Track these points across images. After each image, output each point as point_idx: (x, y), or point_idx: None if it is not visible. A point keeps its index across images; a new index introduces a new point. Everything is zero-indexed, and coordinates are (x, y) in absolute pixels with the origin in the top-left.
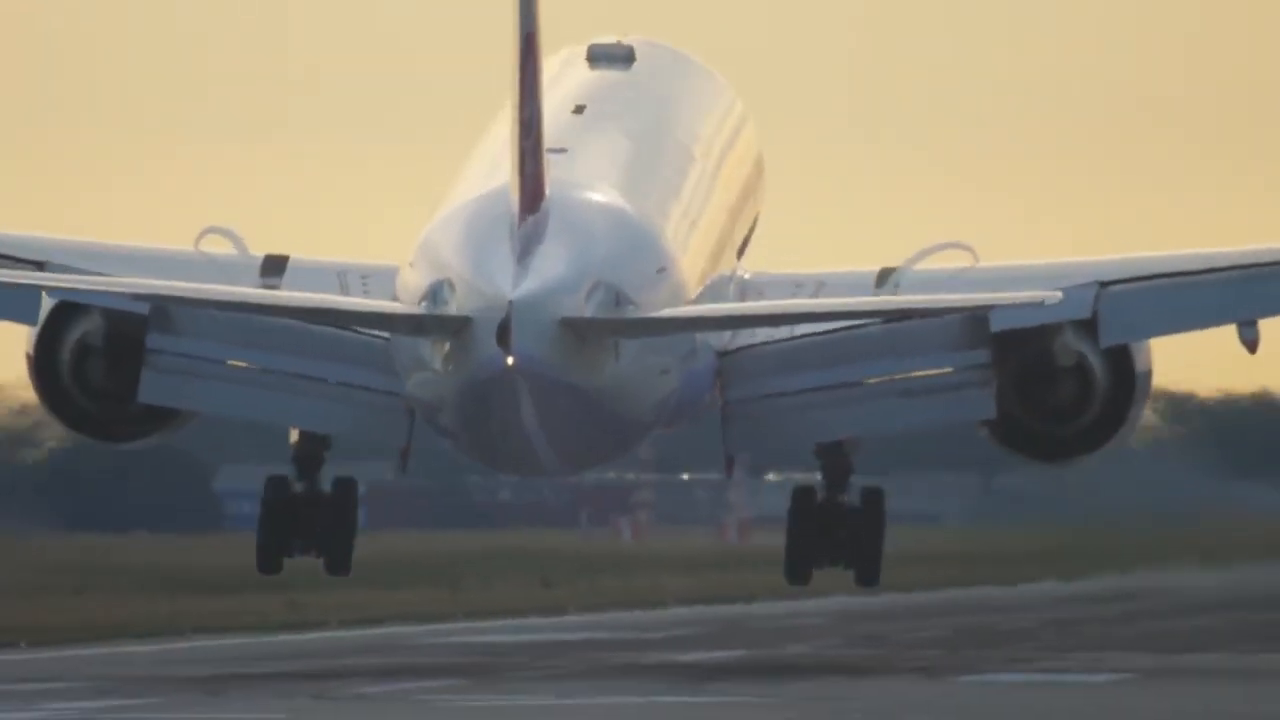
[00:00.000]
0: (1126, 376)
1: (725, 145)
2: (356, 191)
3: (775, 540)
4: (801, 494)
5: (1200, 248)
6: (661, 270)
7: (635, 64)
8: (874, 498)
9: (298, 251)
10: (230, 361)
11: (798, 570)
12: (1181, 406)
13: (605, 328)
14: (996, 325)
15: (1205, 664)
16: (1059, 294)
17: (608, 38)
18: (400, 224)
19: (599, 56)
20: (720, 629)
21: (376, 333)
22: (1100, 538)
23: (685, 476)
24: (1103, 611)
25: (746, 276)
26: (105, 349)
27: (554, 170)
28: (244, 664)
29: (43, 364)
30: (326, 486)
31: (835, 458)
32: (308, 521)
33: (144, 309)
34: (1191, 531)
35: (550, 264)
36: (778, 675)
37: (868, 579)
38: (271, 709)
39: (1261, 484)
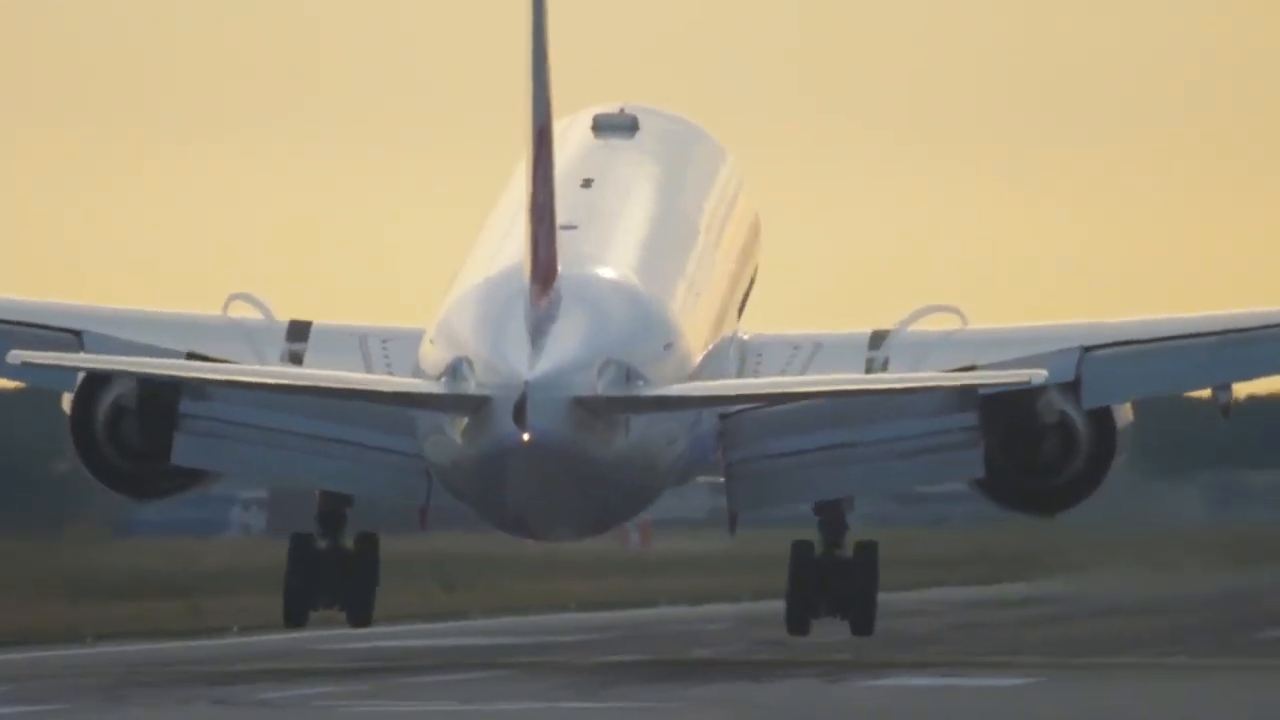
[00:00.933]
0: (1108, 432)
1: (725, 212)
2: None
3: (678, 545)
4: (800, 549)
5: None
6: (669, 345)
7: (638, 133)
8: (868, 551)
9: (320, 315)
10: (259, 425)
11: (797, 622)
12: None
13: (616, 405)
14: (984, 389)
15: (1113, 667)
16: (1044, 371)
17: (610, 106)
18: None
19: (604, 126)
20: (623, 634)
21: (390, 410)
22: (1016, 541)
23: None
24: (1014, 615)
25: (746, 338)
26: (139, 412)
27: (564, 247)
28: (146, 670)
29: (80, 425)
30: (349, 542)
31: (832, 514)
32: (332, 576)
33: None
34: (1110, 535)
35: (563, 344)
36: (680, 679)
37: (863, 630)
38: (173, 715)
39: (1180, 485)
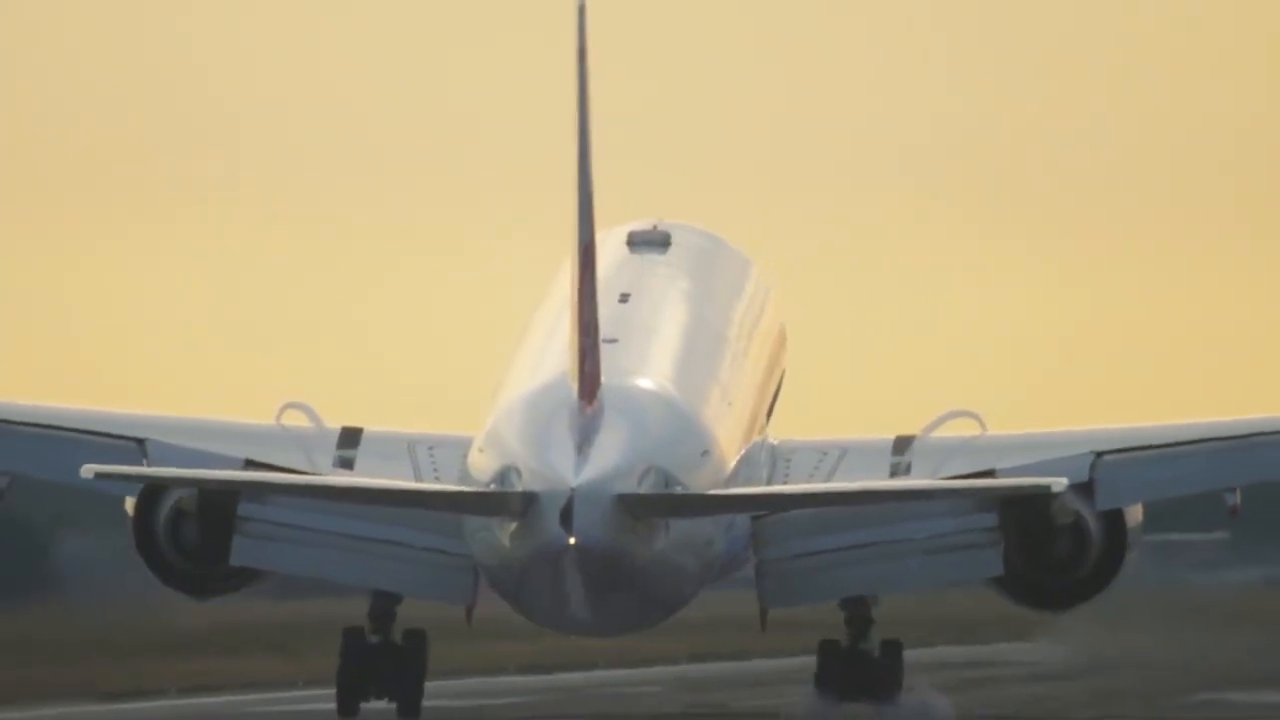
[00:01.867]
0: (1119, 531)
1: (753, 322)
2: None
3: None
4: (827, 646)
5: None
6: (705, 453)
7: (671, 248)
8: (894, 649)
9: (370, 421)
10: (313, 528)
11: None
12: None
13: (657, 506)
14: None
15: None
16: (1064, 480)
17: (644, 222)
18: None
19: (638, 242)
20: (558, 696)
21: (440, 516)
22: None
23: None
24: (955, 677)
25: (775, 444)
26: (199, 515)
27: (605, 359)
28: None
29: (141, 527)
30: (398, 638)
31: (858, 609)
32: (382, 670)
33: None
34: None
35: (607, 453)
36: None
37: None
38: None
39: None
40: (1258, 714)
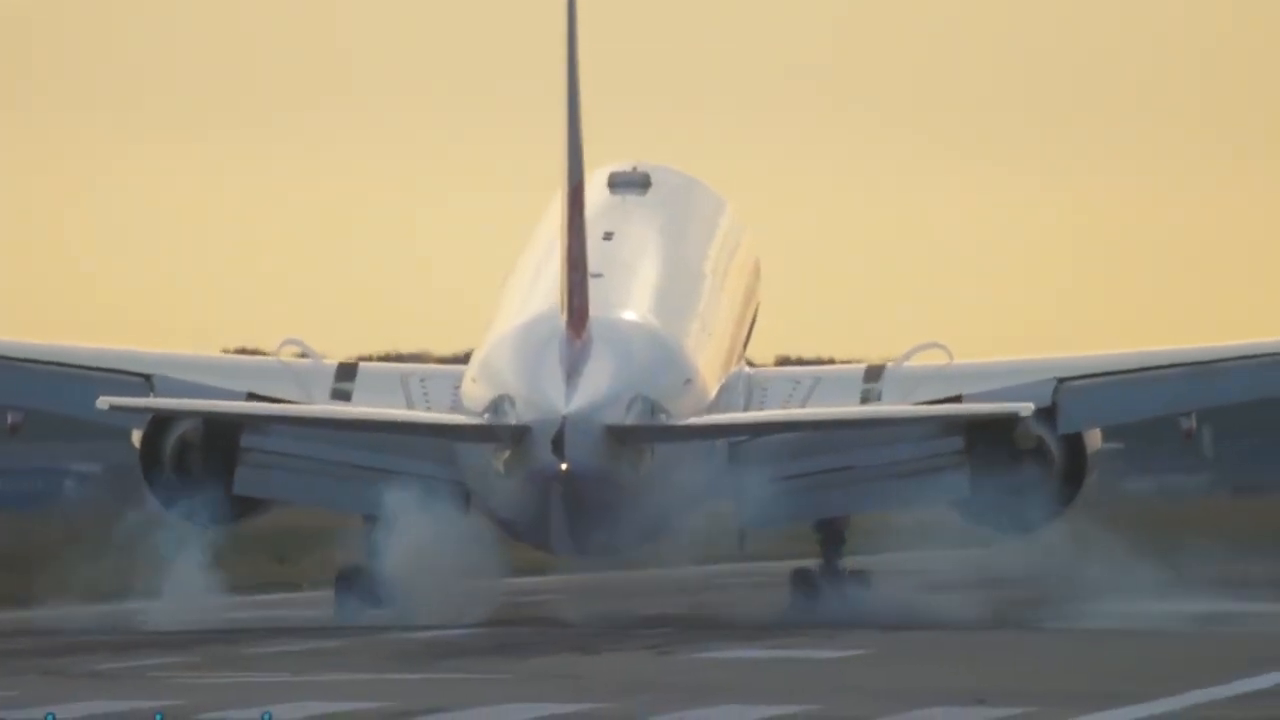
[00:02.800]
0: (1079, 455)
1: (729, 258)
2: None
3: None
4: (799, 573)
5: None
6: (688, 381)
7: (650, 189)
8: (860, 580)
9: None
10: (312, 457)
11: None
12: None
13: (644, 435)
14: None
15: (937, 641)
16: (1031, 405)
17: (624, 164)
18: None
19: (619, 183)
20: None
21: (437, 442)
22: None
23: None
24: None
25: (750, 373)
26: (203, 446)
27: (592, 293)
28: None
29: (148, 459)
30: None
31: (831, 532)
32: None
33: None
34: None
35: (596, 382)
36: (511, 651)
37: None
38: (3, 686)
39: None
40: (1137, 623)
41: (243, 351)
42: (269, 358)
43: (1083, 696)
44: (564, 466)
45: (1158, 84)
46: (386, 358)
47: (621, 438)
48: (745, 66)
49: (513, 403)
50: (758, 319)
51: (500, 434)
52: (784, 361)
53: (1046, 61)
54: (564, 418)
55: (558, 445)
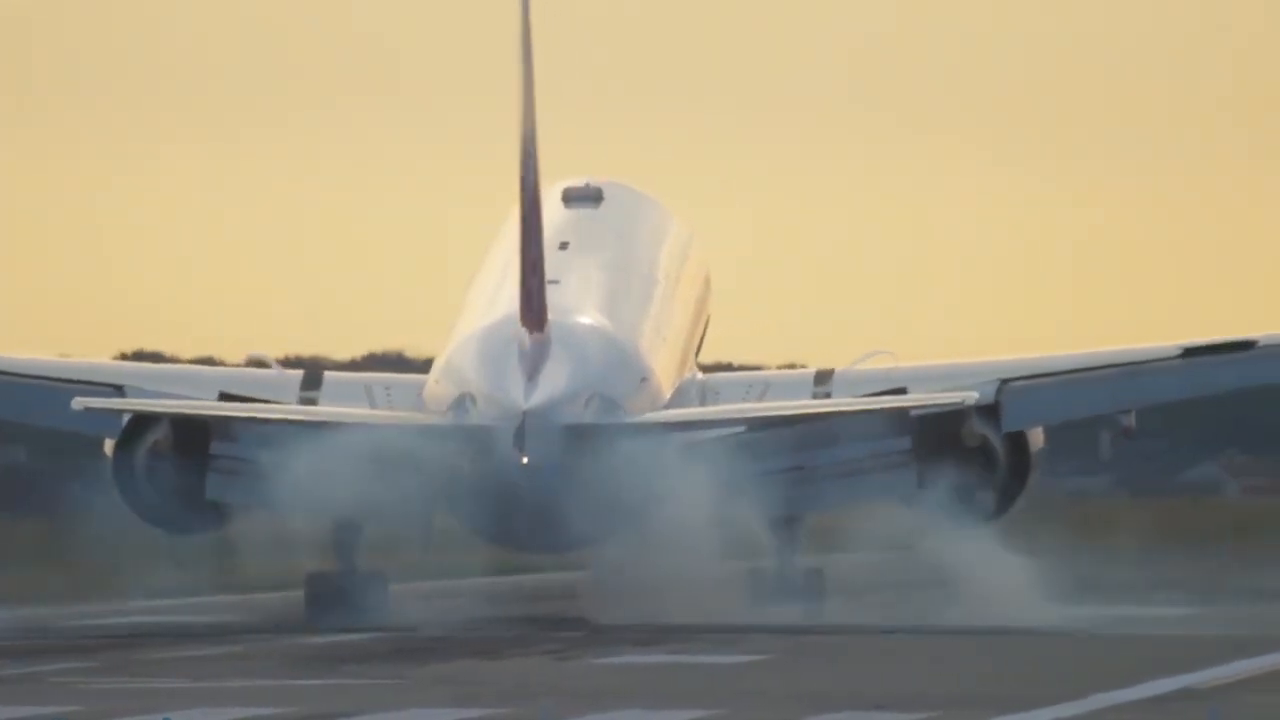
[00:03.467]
0: (1023, 452)
1: (679, 267)
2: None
3: None
4: (754, 575)
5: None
6: (643, 380)
7: (603, 203)
8: (815, 577)
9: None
10: (281, 463)
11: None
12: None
13: (600, 432)
14: (916, 413)
15: (841, 645)
16: (975, 394)
17: (577, 180)
18: None
19: (573, 198)
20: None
21: (404, 443)
22: None
23: None
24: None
25: (702, 378)
26: (174, 453)
27: (550, 299)
28: None
29: (121, 467)
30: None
31: (785, 531)
32: (346, 600)
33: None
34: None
35: (555, 380)
36: (411, 656)
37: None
38: None
39: None
40: (1042, 626)
41: (208, 362)
42: (237, 368)
43: (985, 700)
44: (525, 460)
45: (1123, 86)
46: (365, 358)
47: (579, 434)
48: (703, 74)
49: (474, 400)
50: (709, 329)
51: (464, 433)
52: (730, 368)
53: (1017, 68)
54: (524, 413)
55: (519, 440)
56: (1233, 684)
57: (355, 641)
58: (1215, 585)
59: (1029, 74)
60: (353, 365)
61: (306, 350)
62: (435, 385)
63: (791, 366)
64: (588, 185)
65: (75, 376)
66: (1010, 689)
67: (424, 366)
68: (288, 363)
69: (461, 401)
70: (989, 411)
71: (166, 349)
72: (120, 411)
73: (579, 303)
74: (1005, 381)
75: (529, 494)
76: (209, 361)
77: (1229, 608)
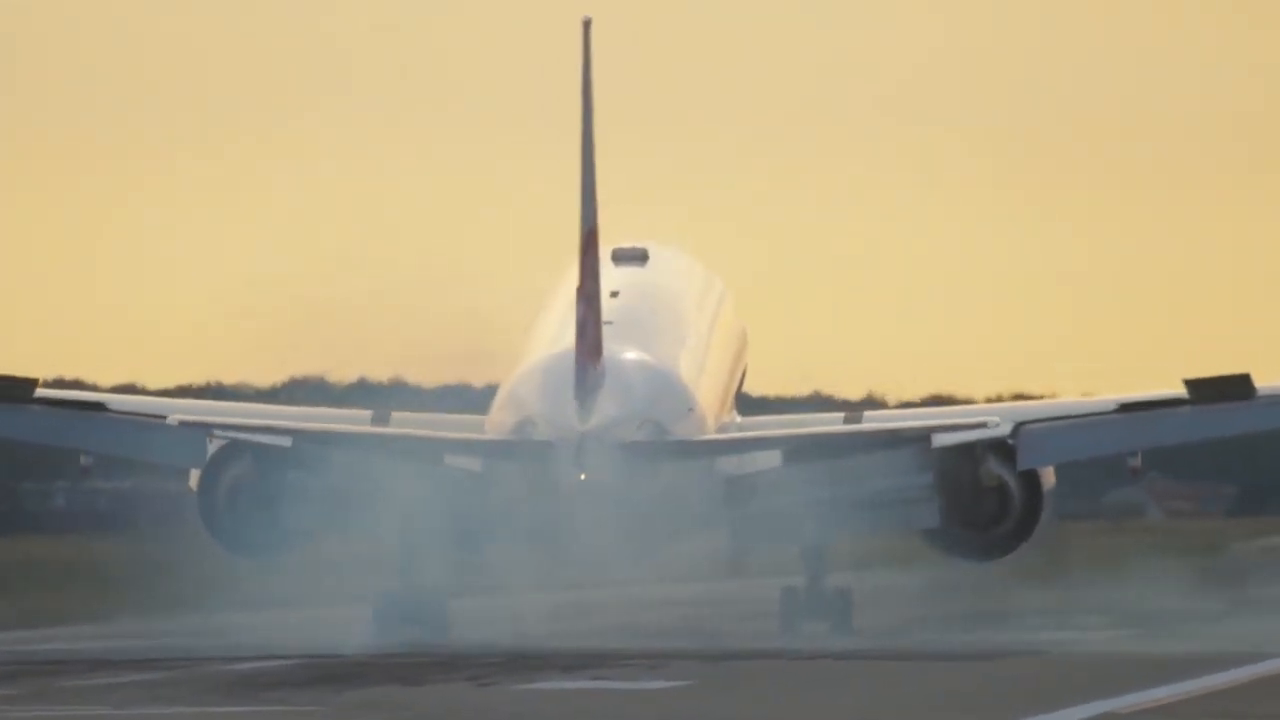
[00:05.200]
0: (1036, 493)
1: (717, 316)
2: None
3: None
4: (788, 592)
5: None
6: (690, 410)
7: (648, 262)
8: (843, 596)
9: None
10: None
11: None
12: None
13: (651, 451)
14: (938, 451)
15: (760, 671)
16: (998, 419)
17: (625, 243)
18: None
19: (621, 257)
20: (277, 636)
21: (466, 468)
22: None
23: None
24: (680, 618)
25: (741, 420)
26: (255, 484)
27: (604, 337)
28: None
29: (205, 497)
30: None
31: (817, 557)
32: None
33: (286, 444)
34: None
35: (610, 407)
36: (333, 682)
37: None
38: None
39: None
40: (967, 650)
41: (129, 389)
42: (314, 408)
43: None
44: (582, 477)
45: (1121, 110)
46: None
47: (632, 453)
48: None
49: (535, 424)
50: (744, 381)
51: (527, 449)
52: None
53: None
54: (581, 434)
55: (577, 458)
56: (1154, 708)
57: (275, 669)
58: (1137, 608)
59: (1049, 106)
60: (272, 392)
61: (228, 379)
62: (497, 413)
63: (818, 395)
64: (634, 247)
65: (157, 411)
66: (926, 715)
67: (344, 393)
68: (207, 391)
69: (523, 426)
70: (1005, 453)
71: (86, 377)
72: (205, 444)
73: (630, 341)
74: (1021, 424)
75: (584, 509)
76: (130, 389)
77: (1151, 631)
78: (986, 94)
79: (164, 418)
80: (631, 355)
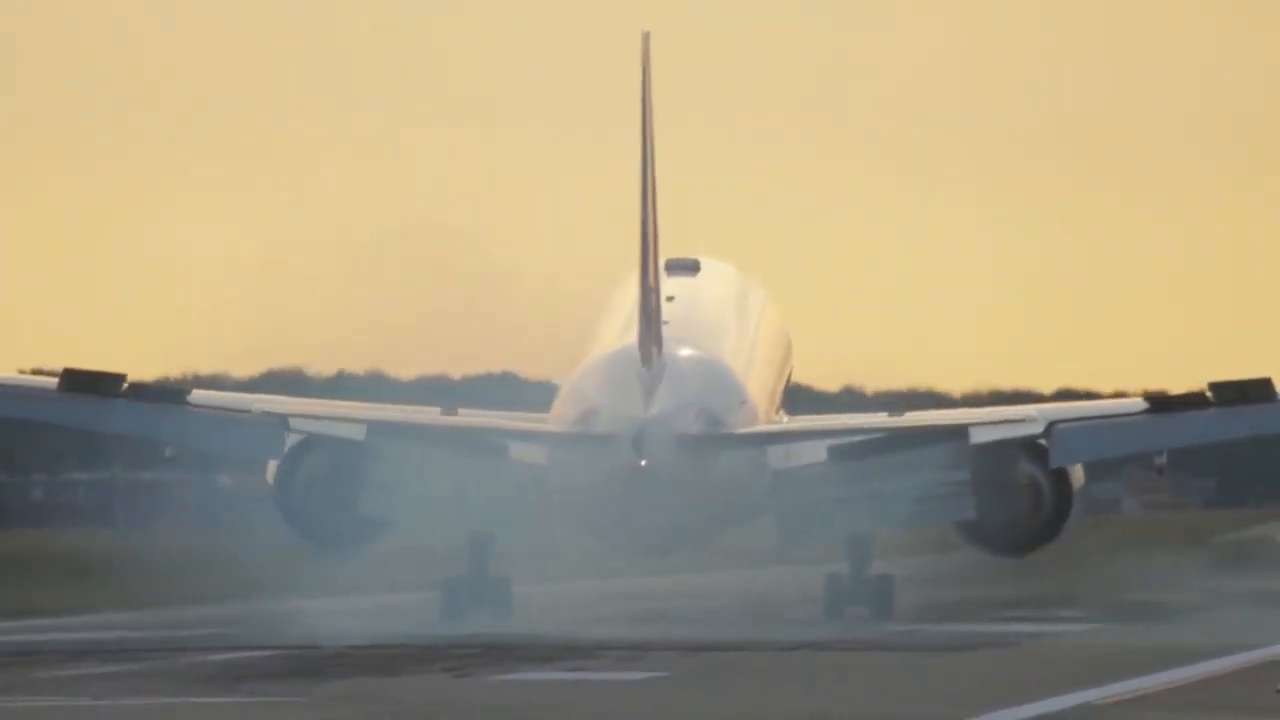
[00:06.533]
0: (1066, 491)
1: (763, 320)
2: None
3: None
4: (832, 578)
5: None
6: (743, 403)
7: (700, 273)
8: (885, 581)
9: None
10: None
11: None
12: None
13: (707, 441)
14: (974, 448)
15: (737, 663)
16: (1036, 414)
17: (678, 255)
18: None
19: (674, 267)
20: (256, 628)
21: (530, 461)
22: None
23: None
24: (661, 609)
25: (787, 420)
26: (331, 474)
27: (662, 335)
28: None
29: (282, 489)
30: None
31: (859, 546)
32: (477, 602)
33: (360, 437)
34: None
35: (669, 397)
36: (311, 674)
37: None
38: None
39: None
40: (942, 643)
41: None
42: (387, 405)
43: (873, 719)
44: (643, 463)
45: (1123, 115)
46: (263, 376)
47: (690, 442)
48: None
49: (597, 415)
50: (790, 382)
51: (592, 438)
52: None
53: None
54: (643, 422)
55: (638, 446)
56: (1131, 699)
57: (255, 660)
58: (1114, 600)
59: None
60: (250, 383)
61: (205, 369)
62: (561, 406)
63: (850, 387)
64: (687, 258)
65: (236, 406)
66: (903, 706)
67: (324, 385)
68: (187, 381)
69: (586, 417)
70: (1037, 453)
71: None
72: (284, 436)
73: (686, 339)
74: (1053, 423)
75: (644, 494)
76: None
77: (1128, 623)
78: (986, 95)
79: (246, 411)
80: (687, 352)
